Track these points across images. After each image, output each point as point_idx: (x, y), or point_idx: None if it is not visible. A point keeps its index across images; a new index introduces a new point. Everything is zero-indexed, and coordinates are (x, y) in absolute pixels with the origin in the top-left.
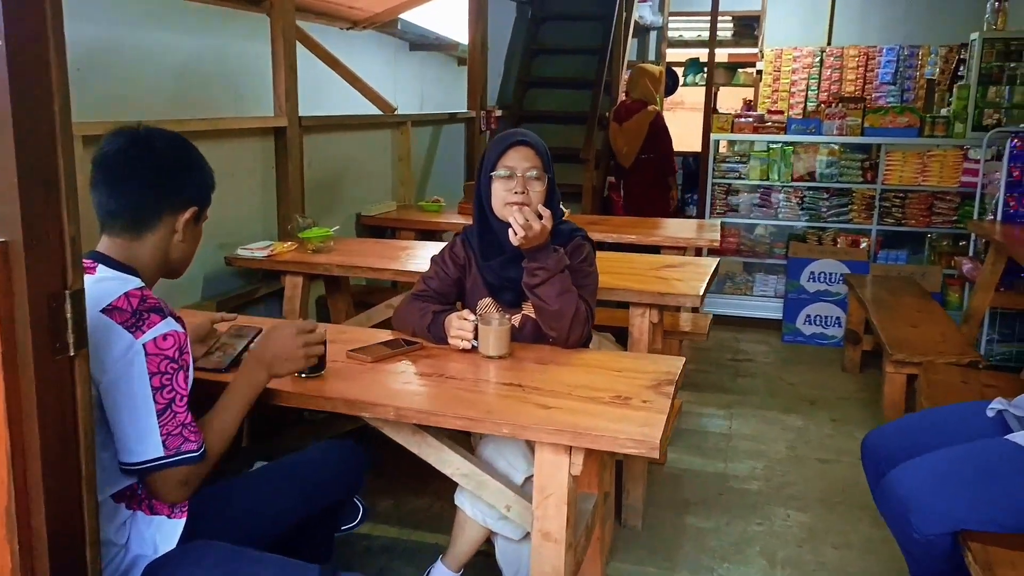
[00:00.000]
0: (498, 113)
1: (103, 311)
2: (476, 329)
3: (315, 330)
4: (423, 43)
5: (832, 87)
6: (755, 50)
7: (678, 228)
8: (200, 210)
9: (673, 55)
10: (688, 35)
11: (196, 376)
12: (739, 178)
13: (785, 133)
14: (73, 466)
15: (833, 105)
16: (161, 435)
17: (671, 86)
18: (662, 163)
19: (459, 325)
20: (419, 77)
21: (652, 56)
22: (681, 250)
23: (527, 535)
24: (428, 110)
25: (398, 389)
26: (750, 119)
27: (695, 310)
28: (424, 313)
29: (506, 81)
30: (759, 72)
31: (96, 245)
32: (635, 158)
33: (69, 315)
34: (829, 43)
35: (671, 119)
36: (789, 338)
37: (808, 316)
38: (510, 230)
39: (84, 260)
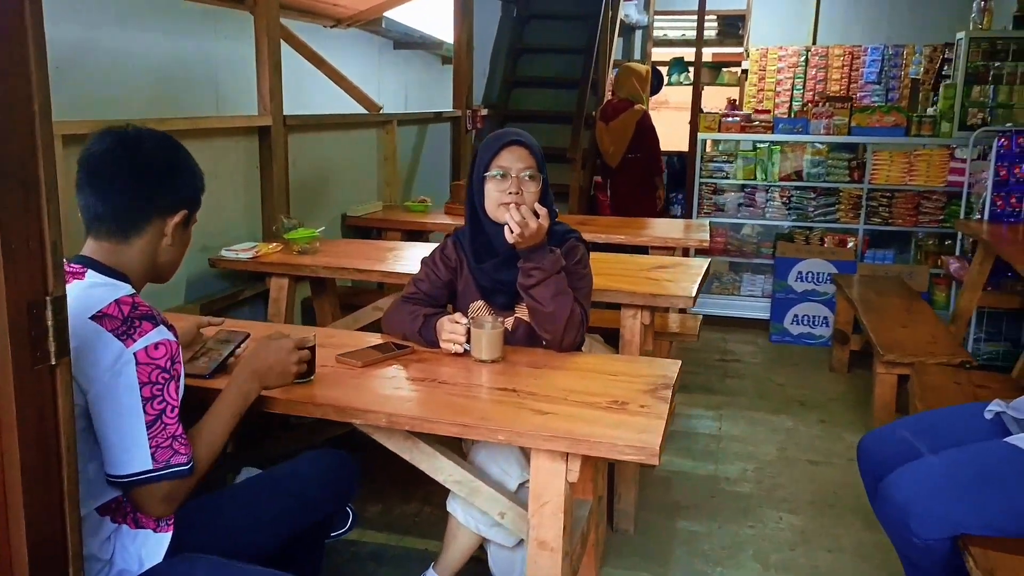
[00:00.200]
0: (484, 112)
1: (92, 318)
2: (468, 332)
3: (313, 344)
4: (407, 42)
5: (817, 86)
6: (740, 49)
7: (666, 228)
8: (190, 213)
9: (657, 54)
10: (672, 34)
11: None
12: (725, 178)
13: (772, 132)
14: (55, 480)
15: (820, 104)
16: (150, 447)
17: (656, 85)
18: (649, 163)
19: (451, 328)
20: (403, 76)
21: (638, 55)
22: (671, 250)
23: (520, 542)
24: (412, 109)
25: (389, 395)
26: (737, 119)
27: (682, 311)
28: (415, 316)
29: (491, 80)
30: (744, 71)
31: (79, 249)
32: (622, 158)
33: (50, 322)
34: (814, 42)
35: (655, 119)
36: (777, 338)
37: (796, 316)
38: (506, 228)
39: (72, 265)
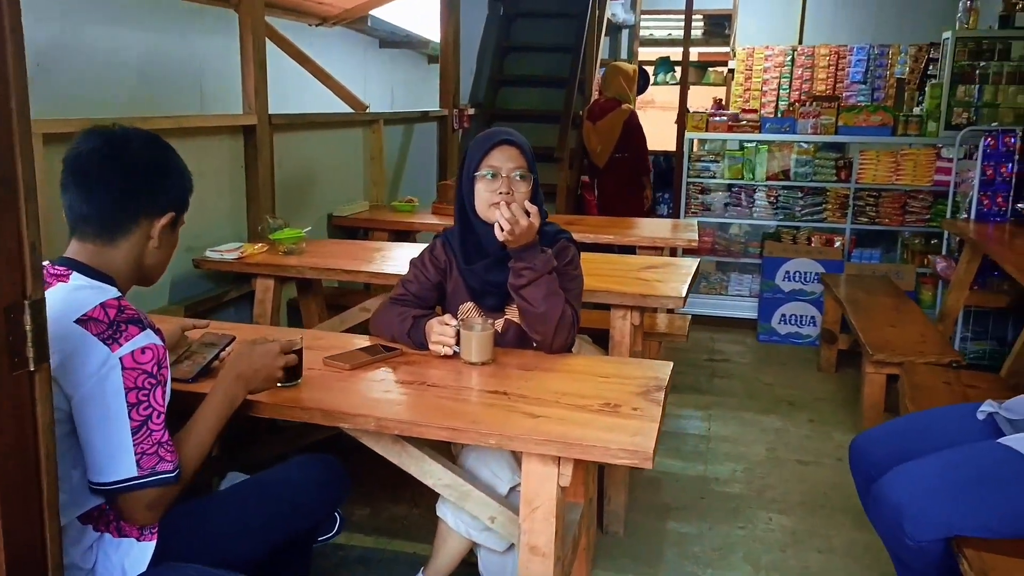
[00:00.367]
0: (471, 112)
1: (78, 321)
2: (458, 334)
3: (300, 348)
4: (393, 40)
5: (803, 86)
6: (726, 49)
7: (654, 228)
8: (177, 215)
9: (643, 54)
10: (659, 33)
11: None
12: (712, 177)
13: (760, 132)
14: (33, 489)
15: (807, 104)
16: (135, 454)
17: (642, 85)
18: (636, 162)
19: (440, 330)
20: (390, 75)
21: (624, 54)
22: (659, 250)
23: (511, 546)
24: (399, 108)
25: (378, 398)
26: (724, 118)
27: (670, 311)
28: (404, 318)
29: (478, 79)
30: (731, 71)
31: (63, 250)
32: (609, 157)
33: (28, 327)
34: (800, 42)
35: (641, 118)
36: (764, 338)
37: (783, 315)
38: (496, 226)
39: (56, 267)
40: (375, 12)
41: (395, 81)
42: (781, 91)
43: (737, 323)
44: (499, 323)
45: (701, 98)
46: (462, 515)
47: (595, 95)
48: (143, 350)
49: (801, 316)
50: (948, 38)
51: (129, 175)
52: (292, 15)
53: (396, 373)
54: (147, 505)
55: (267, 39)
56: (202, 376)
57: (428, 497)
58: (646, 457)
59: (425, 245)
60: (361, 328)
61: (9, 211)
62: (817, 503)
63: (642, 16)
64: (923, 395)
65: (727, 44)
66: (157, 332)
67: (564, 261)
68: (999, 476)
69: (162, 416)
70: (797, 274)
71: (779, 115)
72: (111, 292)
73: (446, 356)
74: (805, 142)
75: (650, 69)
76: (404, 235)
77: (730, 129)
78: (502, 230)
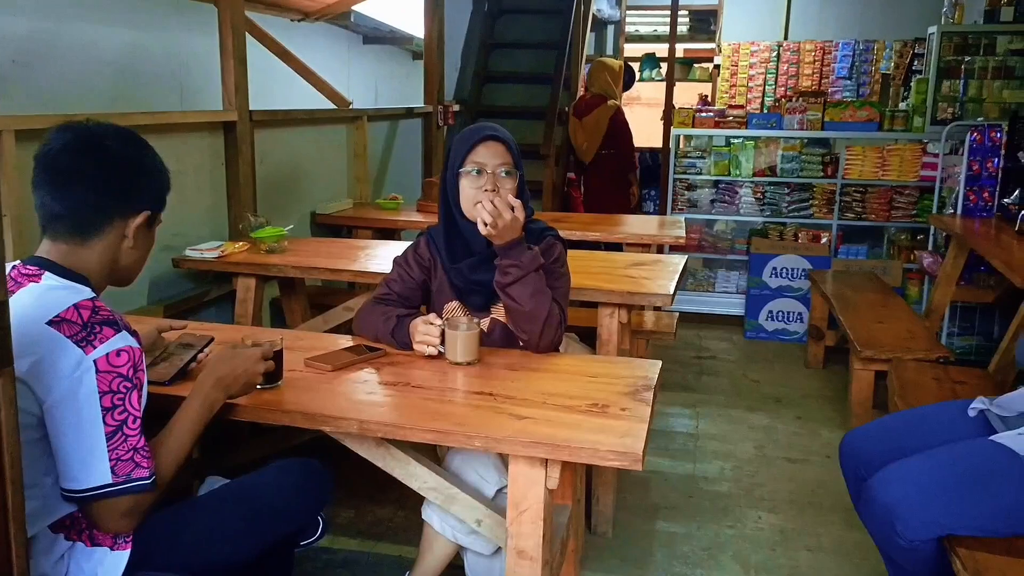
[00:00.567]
0: (455, 108)
1: (50, 323)
2: (443, 334)
3: (280, 349)
4: (377, 36)
5: (789, 82)
6: (711, 45)
7: (642, 225)
8: (153, 214)
9: (629, 50)
10: (644, 30)
11: None
12: (699, 173)
13: (746, 128)
14: None
15: (793, 99)
16: (110, 460)
17: (628, 81)
18: (623, 159)
19: (425, 330)
20: (373, 71)
21: (610, 51)
22: (646, 247)
23: (499, 550)
24: (383, 105)
25: (361, 400)
26: (711, 114)
27: (657, 308)
28: (387, 317)
29: (463, 75)
30: (716, 67)
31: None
32: (595, 154)
33: None
34: (786, 38)
35: (627, 115)
36: (752, 334)
37: (770, 312)
38: (479, 220)
39: (28, 267)
40: (359, 8)
41: (380, 77)
42: (767, 87)
43: (724, 320)
44: (485, 322)
45: (687, 94)
46: (448, 518)
47: (581, 91)
48: (118, 352)
49: (788, 313)
50: (934, 33)
51: (102, 172)
52: (273, 10)
53: (380, 374)
54: (122, 513)
55: (248, 34)
56: (179, 378)
57: (414, 499)
58: (636, 459)
59: (410, 243)
60: (345, 327)
61: None
62: (806, 501)
63: (627, 12)
64: (912, 391)
65: (713, 40)
66: (133, 334)
67: (551, 259)
68: (992, 474)
69: (138, 421)
70: (784, 270)
71: (765, 111)
72: (85, 293)
73: (431, 356)
74: (791, 138)
75: (636, 65)
76: (389, 233)
77: (716, 125)
78: (485, 224)
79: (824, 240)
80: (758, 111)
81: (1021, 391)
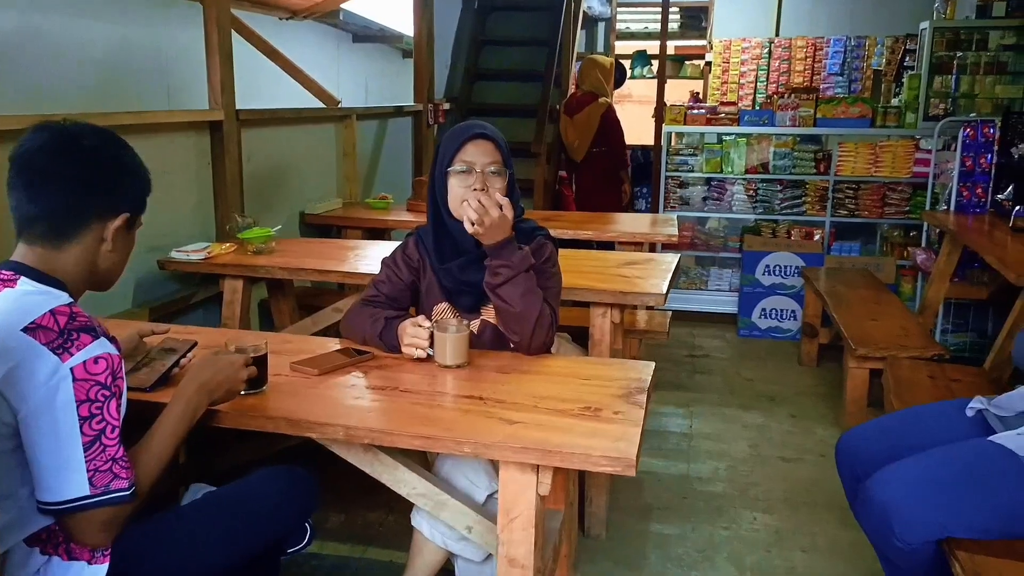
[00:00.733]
0: (446, 106)
1: (25, 330)
2: (432, 336)
3: (265, 353)
4: (367, 35)
5: (781, 78)
6: (703, 42)
7: (634, 223)
8: (132, 216)
9: (620, 47)
10: (635, 27)
11: None
12: (691, 171)
13: (738, 125)
14: None
15: (785, 96)
16: (88, 471)
17: (619, 78)
18: (614, 156)
19: (413, 332)
20: (363, 70)
21: (601, 48)
22: (638, 245)
23: (489, 556)
24: (372, 103)
25: (348, 405)
26: (703, 111)
27: (649, 307)
28: (375, 320)
29: (453, 73)
30: (708, 64)
31: (9, 253)
32: (587, 151)
33: None
34: (777, 34)
35: (618, 112)
36: (745, 332)
37: (763, 310)
38: (464, 218)
39: (3, 272)
40: (347, 6)
41: (369, 75)
42: (759, 83)
43: (717, 318)
44: (475, 324)
45: (678, 91)
46: (438, 525)
47: (572, 89)
48: (96, 360)
49: (781, 310)
50: (925, 28)
51: (79, 173)
52: (260, 8)
53: (367, 378)
54: (101, 526)
55: (234, 32)
56: (161, 385)
57: (404, 503)
58: (629, 464)
59: (399, 244)
60: (335, 329)
61: None
62: (801, 500)
63: (618, 9)
64: (908, 389)
65: (704, 37)
66: (112, 340)
67: (541, 259)
68: (991, 474)
69: (116, 430)
70: (777, 268)
71: (757, 108)
72: (62, 298)
73: (420, 359)
74: (784, 135)
75: (627, 63)
76: (378, 233)
77: (708, 122)
78: (472, 223)
79: (817, 237)
80: (750, 108)
81: (1019, 390)
